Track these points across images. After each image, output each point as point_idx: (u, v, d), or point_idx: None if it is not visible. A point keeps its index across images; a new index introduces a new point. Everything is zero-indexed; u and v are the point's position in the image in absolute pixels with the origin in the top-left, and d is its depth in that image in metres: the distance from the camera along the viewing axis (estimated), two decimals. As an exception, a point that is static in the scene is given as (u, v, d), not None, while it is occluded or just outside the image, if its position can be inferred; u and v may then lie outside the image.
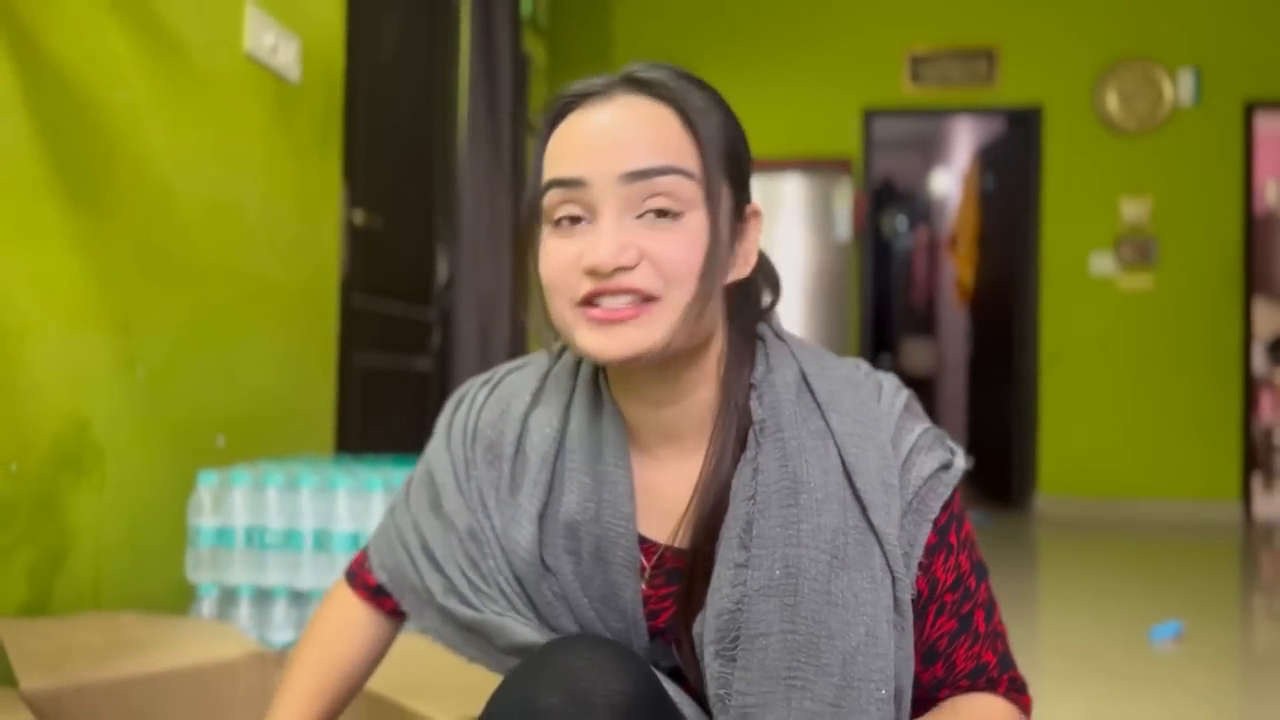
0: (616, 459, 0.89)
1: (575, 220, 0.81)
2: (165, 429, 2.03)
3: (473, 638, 0.94)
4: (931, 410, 8.48)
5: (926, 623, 0.85)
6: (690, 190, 0.80)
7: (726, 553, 0.83)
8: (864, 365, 0.93)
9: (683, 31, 5.57)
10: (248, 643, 1.64)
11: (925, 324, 8.68)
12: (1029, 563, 4.16)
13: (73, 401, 1.77)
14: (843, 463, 0.83)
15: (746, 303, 0.91)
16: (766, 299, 0.94)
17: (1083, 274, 5.38)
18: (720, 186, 0.82)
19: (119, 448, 1.88)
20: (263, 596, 1.89)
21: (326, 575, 1.85)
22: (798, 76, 5.51)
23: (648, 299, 0.79)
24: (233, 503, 1.87)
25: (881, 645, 0.80)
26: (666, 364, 0.84)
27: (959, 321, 7.25)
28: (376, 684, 1.35)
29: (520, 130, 4.32)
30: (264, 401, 2.40)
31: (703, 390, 0.87)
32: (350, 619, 1.04)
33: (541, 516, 0.90)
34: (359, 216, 3.06)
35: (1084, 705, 2.19)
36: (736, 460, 0.86)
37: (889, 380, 0.91)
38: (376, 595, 1.04)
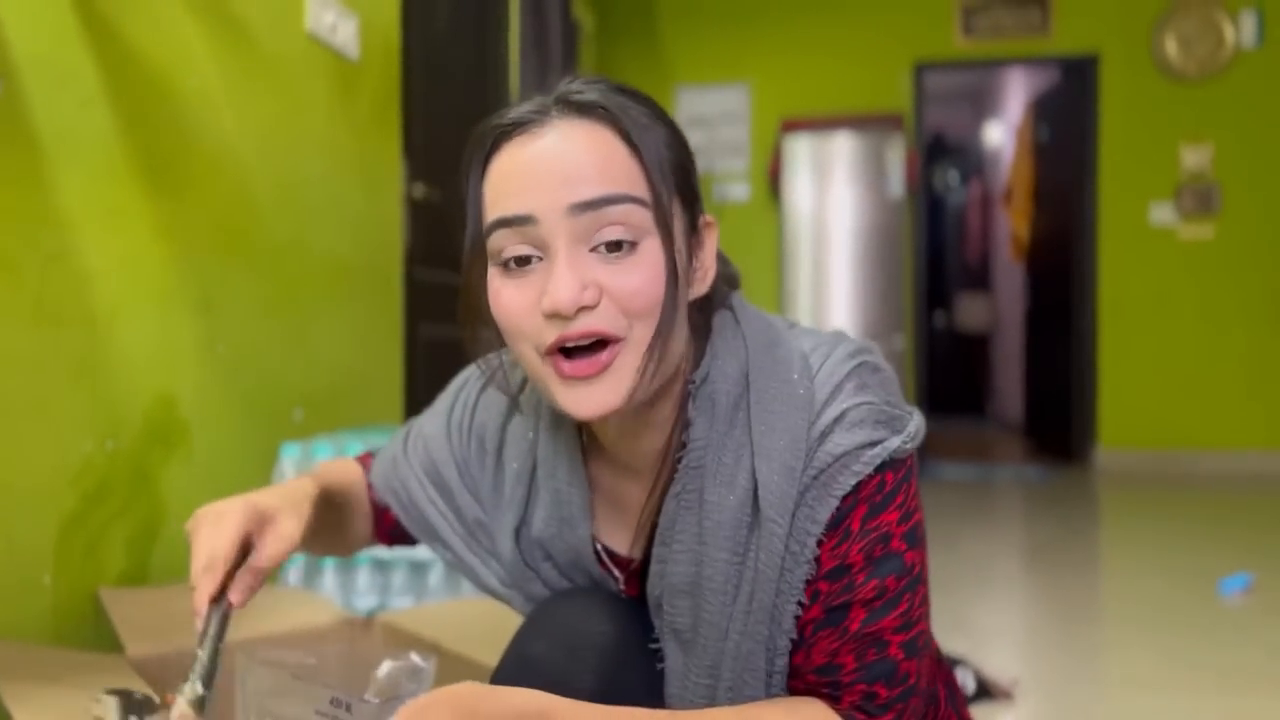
0: (571, 478, 0.90)
1: (524, 261, 0.76)
2: (246, 404, 2.09)
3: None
4: (987, 367, 8.41)
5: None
6: (642, 217, 0.75)
7: (658, 549, 0.85)
8: (825, 334, 0.86)
9: (729, -9, 5.52)
10: (335, 609, 1.71)
11: (980, 280, 8.58)
12: (1091, 517, 4.14)
13: (161, 379, 1.83)
14: (751, 447, 0.79)
15: (702, 307, 0.87)
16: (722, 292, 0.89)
17: (1142, 224, 5.29)
18: (672, 207, 0.77)
19: (204, 423, 1.95)
20: (346, 564, 1.96)
21: (407, 542, 1.91)
22: (847, 32, 5.43)
23: (612, 341, 0.75)
24: (315, 474, 1.93)
25: (761, 632, 0.80)
26: (639, 405, 0.81)
27: (1015, 276, 7.16)
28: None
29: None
30: (337, 375, 2.47)
31: (670, 414, 0.85)
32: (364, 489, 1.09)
33: (517, 531, 0.95)
34: (418, 190, 3.10)
35: (1153, 656, 2.20)
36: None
37: (841, 349, 0.83)
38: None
